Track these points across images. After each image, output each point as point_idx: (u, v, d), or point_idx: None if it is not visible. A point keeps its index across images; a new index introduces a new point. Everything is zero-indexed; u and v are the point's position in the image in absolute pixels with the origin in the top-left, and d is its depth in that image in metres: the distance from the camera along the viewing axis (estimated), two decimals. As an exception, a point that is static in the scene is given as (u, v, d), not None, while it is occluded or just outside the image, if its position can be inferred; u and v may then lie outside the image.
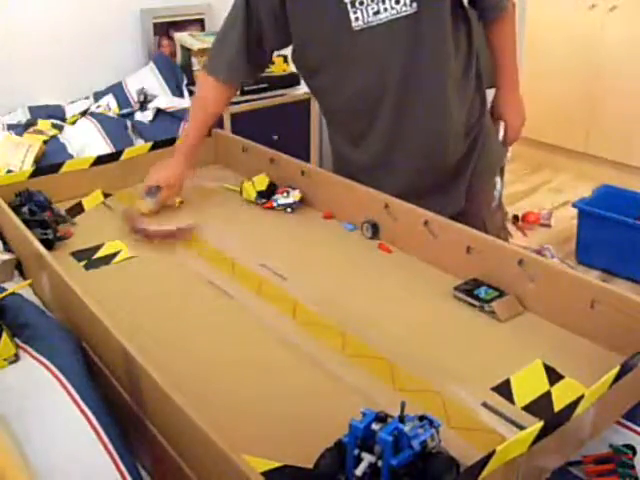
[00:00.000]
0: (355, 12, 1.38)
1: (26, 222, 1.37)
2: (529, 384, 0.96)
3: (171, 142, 1.82)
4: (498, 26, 1.58)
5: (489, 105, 1.69)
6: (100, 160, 1.69)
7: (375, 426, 0.73)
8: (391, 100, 1.46)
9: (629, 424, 0.90)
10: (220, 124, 2.24)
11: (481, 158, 1.61)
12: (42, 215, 1.41)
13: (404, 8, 1.37)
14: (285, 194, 1.57)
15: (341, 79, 1.49)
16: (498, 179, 1.71)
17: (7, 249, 1.37)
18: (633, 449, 0.84)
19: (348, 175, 1.54)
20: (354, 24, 1.39)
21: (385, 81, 1.44)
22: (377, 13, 1.38)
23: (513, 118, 1.70)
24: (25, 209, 1.43)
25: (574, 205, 2.89)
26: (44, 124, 2.13)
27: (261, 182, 1.62)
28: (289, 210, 1.56)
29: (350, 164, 1.63)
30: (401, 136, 1.50)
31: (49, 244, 1.40)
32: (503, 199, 1.74)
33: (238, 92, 2.39)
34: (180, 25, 2.65)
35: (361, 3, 1.38)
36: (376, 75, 1.44)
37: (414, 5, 1.37)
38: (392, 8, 1.37)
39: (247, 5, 1.47)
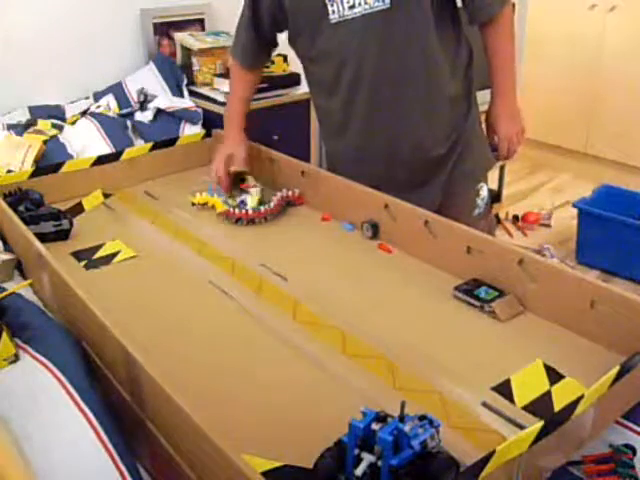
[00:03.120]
0: (332, 5, 1.41)
1: (34, 218, 1.37)
2: (529, 384, 0.96)
3: (171, 142, 1.82)
4: (488, 30, 1.50)
5: (483, 115, 1.62)
6: (100, 160, 1.69)
7: (375, 426, 0.73)
8: (366, 93, 1.48)
9: (629, 424, 0.90)
10: (220, 124, 2.24)
11: (461, 162, 1.57)
12: (41, 210, 1.41)
13: (377, 4, 1.39)
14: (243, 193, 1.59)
15: (320, 69, 1.53)
16: (483, 186, 1.63)
17: (7, 249, 1.36)
18: (633, 449, 0.84)
19: (331, 165, 1.57)
20: (331, 16, 1.43)
21: (360, 75, 1.46)
22: (352, 7, 1.40)
23: (505, 130, 1.57)
24: (22, 207, 1.42)
25: (574, 205, 2.88)
26: (44, 124, 2.12)
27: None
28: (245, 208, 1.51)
29: (332, 153, 1.67)
30: (376, 129, 1.52)
31: (65, 234, 1.40)
32: (491, 208, 1.67)
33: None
34: (180, 25, 2.65)
35: None
36: (352, 68, 1.46)
37: (387, 1, 1.38)
38: (365, 3, 1.39)
39: None
